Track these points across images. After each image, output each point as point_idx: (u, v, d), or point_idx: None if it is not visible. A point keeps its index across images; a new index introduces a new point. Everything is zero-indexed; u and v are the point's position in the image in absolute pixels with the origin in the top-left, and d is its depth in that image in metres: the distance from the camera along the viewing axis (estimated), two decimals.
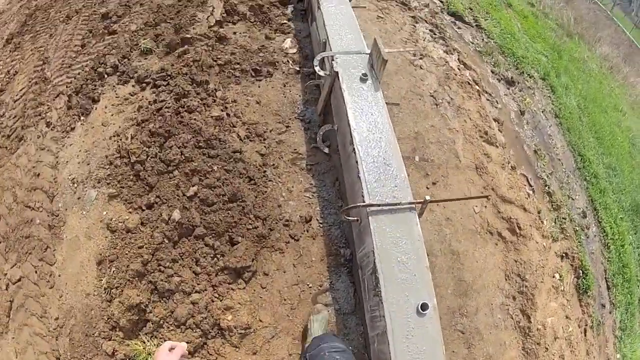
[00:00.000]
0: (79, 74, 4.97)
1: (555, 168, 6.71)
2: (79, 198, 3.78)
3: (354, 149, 3.30)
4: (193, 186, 3.52)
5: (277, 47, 4.96)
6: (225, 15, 5.09)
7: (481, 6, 8.18)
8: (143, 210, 3.49)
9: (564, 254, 5.47)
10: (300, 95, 4.61)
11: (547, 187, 6.05)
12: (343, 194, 3.91)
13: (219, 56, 4.60)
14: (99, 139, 4.18)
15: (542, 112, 7.31)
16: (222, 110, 4.16)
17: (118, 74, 4.77)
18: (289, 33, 5.16)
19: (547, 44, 8.60)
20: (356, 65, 3.82)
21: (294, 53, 4.90)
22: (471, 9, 7.88)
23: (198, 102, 4.12)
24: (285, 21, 5.26)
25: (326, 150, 3.85)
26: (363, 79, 3.74)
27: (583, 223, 6.26)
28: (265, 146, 4.13)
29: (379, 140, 3.31)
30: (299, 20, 5.48)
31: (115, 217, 3.47)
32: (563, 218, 5.80)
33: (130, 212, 3.50)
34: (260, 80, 4.61)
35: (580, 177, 7.21)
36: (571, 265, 5.47)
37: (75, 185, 3.88)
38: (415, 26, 6.58)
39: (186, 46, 4.70)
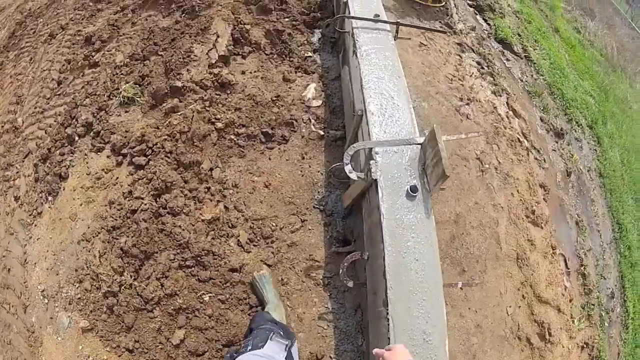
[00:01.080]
0: (50, 126, 3.67)
1: (593, 242, 5.90)
2: (51, 318, 3.06)
3: (387, 313, 2.16)
4: (179, 329, 2.74)
5: (297, 97, 3.62)
6: (233, 45, 3.70)
7: (530, 32, 6.95)
8: (123, 352, 2.74)
9: (585, 344, 4.87)
10: (322, 173, 3.35)
11: (582, 268, 5.35)
12: (366, 336, 2.80)
13: (218, 115, 3.26)
14: (67, 240, 3.22)
15: (588, 171, 6.39)
16: (218, 202, 2.95)
17: (92, 135, 3.50)
18: (313, 73, 3.82)
19: (595, 81, 7.55)
20: (402, 168, 2.60)
21: (318, 106, 3.59)
22: (519, 35, 6.63)
23: (185, 199, 2.94)
24: (309, 54, 3.91)
25: (350, 284, 2.67)
26: (411, 195, 2.54)
27: (609, 306, 5.64)
28: (273, 252, 2.95)
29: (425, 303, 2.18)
30: (328, 52, 4.12)
31: (92, 355, 2.82)
32: (592, 304, 5.17)
33: (109, 352, 2.78)
34: (272, 149, 3.32)
35: (615, 249, 6.56)
36: (589, 355, 4.90)
37: (46, 300, 3.14)
38: (461, 57, 5.31)
39: (176, 100, 3.34)
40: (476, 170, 4.56)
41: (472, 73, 5.27)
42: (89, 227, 3.13)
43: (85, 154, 3.43)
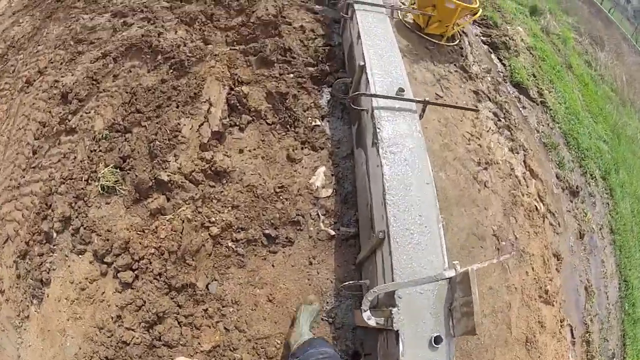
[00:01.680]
0: (27, 207, 3.01)
1: (600, 305, 5.59)
2: None
3: None
4: None
5: (304, 184, 2.99)
6: (228, 114, 3.06)
7: (544, 71, 6.47)
8: None
9: None
10: (332, 280, 2.76)
11: (587, 334, 5.07)
12: None
13: (212, 218, 2.67)
14: (60, 356, 2.68)
15: (600, 229, 6.00)
16: (217, 323, 2.45)
17: (71, 231, 2.88)
18: (322, 149, 3.19)
19: (608, 124, 7.22)
20: (428, 313, 2.07)
21: (328, 197, 2.97)
22: (535, 77, 6.12)
23: (180, 328, 2.43)
24: (317, 121, 3.28)
25: None
26: (434, 346, 2.03)
27: None
28: None
29: None
30: (338, 117, 3.49)
31: None
32: None
33: None
34: (275, 253, 2.74)
35: (620, 308, 6.26)
36: None
37: None
38: (479, 111, 4.75)
39: (162, 197, 2.73)
40: (492, 249, 4.07)
41: (489, 128, 4.72)
42: (80, 348, 2.57)
43: (66, 255, 2.81)
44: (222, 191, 2.77)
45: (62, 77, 3.55)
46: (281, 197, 2.84)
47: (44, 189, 3.04)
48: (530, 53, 6.85)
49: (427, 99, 2.70)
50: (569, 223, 5.38)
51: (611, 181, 6.49)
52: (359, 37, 3.24)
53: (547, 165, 5.39)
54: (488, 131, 4.72)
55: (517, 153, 4.95)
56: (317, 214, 2.87)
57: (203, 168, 2.75)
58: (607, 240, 6.14)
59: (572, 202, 5.54)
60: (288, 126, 3.15)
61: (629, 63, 10.59)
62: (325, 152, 3.18)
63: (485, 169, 4.34)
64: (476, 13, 5.08)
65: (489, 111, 4.92)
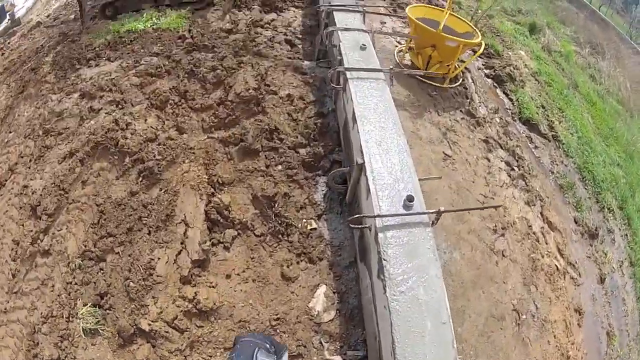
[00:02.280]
0: (17, 337, 2.72)
1: (621, 344, 5.21)
2: None
3: None
4: None
5: (302, 309, 2.60)
6: (209, 231, 2.65)
7: (552, 99, 6.13)
8: None
9: None
10: None
11: None
12: None
13: None
14: None
15: (620, 266, 5.63)
16: None
17: None
18: (320, 260, 2.78)
19: (620, 144, 6.88)
20: None
21: (331, 320, 2.57)
22: (543, 107, 5.74)
23: None
24: (313, 224, 2.88)
25: None
26: None
27: None
28: None
29: None
30: (336, 212, 3.06)
31: None
32: None
33: None
34: None
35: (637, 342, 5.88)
36: None
37: None
38: (489, 159, 4.38)
39: (147, 345, 2.35)
40: (512, 327, 3.72)
41: (503, 182, 4.33)
42: None
43: None
44: (211, 331, 2.38)
45: (31, 180, 3.19)
46: (278, 330, 2.44)
47: (29, 319, 2.66)
48: (536, 79, 6.43)
49: (441, 208, 2.29)
50: (589, 269, 5.01)
51: (628, 209, 6.11)
52: (354, 119, 2.83)
53: (565, 210, 5.00)
54: (502, 186, 4.32)
55: (534, 205, 4.56)
56: (320, 342, 2.48)
57: (187, 310, 2.36)
58: (627, 275, 5.77)
59: (591, 245, 5.15)
60: (280, 235, 2.75)
61: (630, 66, 10.16)
62: (325, 264, 2.77)
63: (502, 234, 3.96)
64: (479, 49, 4.66)
65: (501, 160, 4.52)
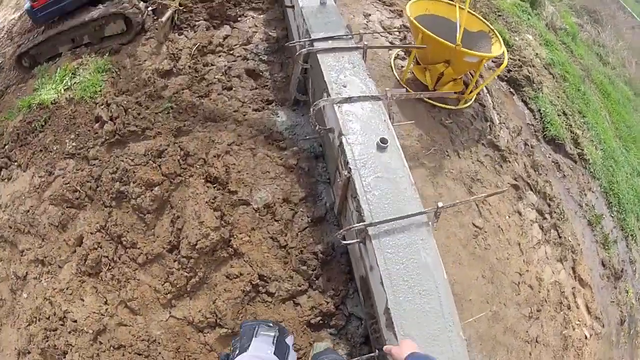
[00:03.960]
0: None
1: None
2: None
3: None
4: None
5: None
6: None
7: (572, 100, 5.15)
8: None
9: None
10: None
11: None
12: None
13: None
14: None
15: (637, 299, 4.88)
16: None
17: None
18: None
19: (638, 147, 6.02)
20: None
21: None
22: (565, 114, 4.78)
23: None
24: None
25: None
26: None
27: None
28: None
29: None
30: None
31: None
32: None
33: None
34: None
35: None
36: None
37: None
38: (520, 214, 3.47)
39: None
40: None
41: (536, 239, 3.38)
42: None
43: None
44: None
45: None
46: None
47: None
48: (550, 73, 5.31)
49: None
50: (612, 314, 4.24)
51: None
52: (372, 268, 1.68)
53: (593, 252, 4.11)
54: (535, 245, 3.32)
55: (566, 260, 3.62)
56: None
57: None
58: None
59: (615, 288, 4.34)
60: None
61: (630, 37, 9.14)
62: None
63: (537, 317, 3.01)
64: (502, 63, 3.42)
65: (532, 209, 3.51)
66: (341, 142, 2.05)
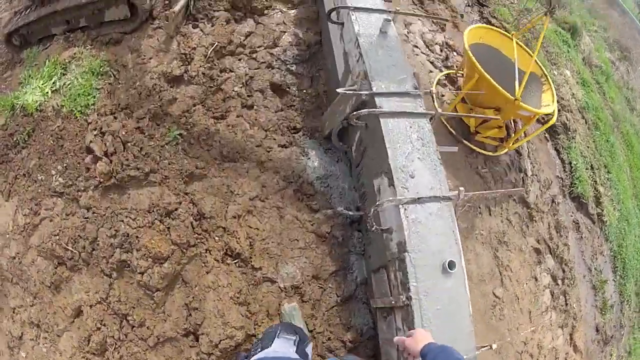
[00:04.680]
0: None
1: None
2: None
3: None
4: None
5: None
6: None
7: (600, 152, 5.05)
8: None
9: None
10: None
11: None
12: None
13: None
14: None
15: None
16: None
17: None
18: None
19: None
20: None
21: None
22: (592, 169, 4.63)
23: None
24: None
25: None
26: None
27: None
28: None
29: None
30: None
31: None
32: None
33: None
34: None
35: None
36: None
37: None
38: (536, 279, 3.33)
39: None
40: None
41: (546, 305, 3.27)
42: None
43: None
44: None
45: None
46: None
47: None
48: (584, 118, 5.07)
49: None
50: None
51: None
52: None
53: (590, 316, 4.01)
54: (543, 312, 3.19)
55: (566, 327, 3.50)
56: None
57: None
58: None
59: (602, 352, 4.29)
60: None
61: None
62: None
63: None
64: (550, 120, 3.14)
65: (547, 274, 3.34)
66: (403, 260, 1.76)
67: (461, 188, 1.85)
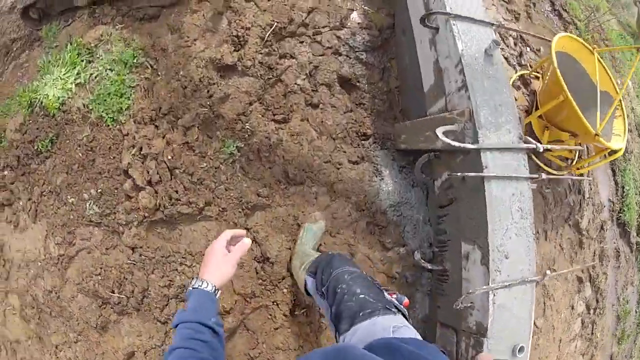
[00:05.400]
0: None
1: None
2: None
3: None
4: None
5: None
6: None
7: None
8: None
9: None
10: None
11: None
12: None
13: None
14: None
15: None
16: None
17: None
18: None
19: None
20: None
21: None
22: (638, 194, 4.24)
23: None
24: None
25: None
26: None
27: None
28: None
29: None
30: None
31: None
32: None
33: None
34: None
35: None
36: None
37: None
38: (573, 308, 3.24)
39: None
40: None
41: (574, 334, 3.18)
42: None
43: None
44: None
45: None
46: None
47: None
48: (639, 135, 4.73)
49: None
50: None
51: None
52: None
53: (608, 345, 3.92)
54: (571, 341, 3.16)
55: (587, 355, 3.43)
56: None
57: None
58: None
59: None
60: None
61: None
62: None
63: None
64: (616, 152, 2.88)
65: (583, 303, 3.18)
66: (480, 344, 1.63)
67: (548, 271, 1.68)
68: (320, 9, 2.45)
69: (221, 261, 1.10)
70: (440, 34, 2.00)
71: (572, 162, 3.03)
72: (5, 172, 2.38)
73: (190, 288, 1.09)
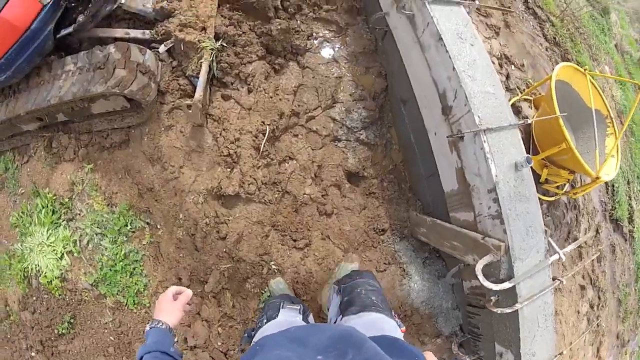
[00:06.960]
0: None
1: None
2: None
3: None
4: None
5: None
6: None
7: (635, 163, 5.06)
8: None
9: None
10: None
11: None
12: None
13: None
14: None
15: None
16: None
17: None
18: None
19: None
20: None
21: None
22: (628, 184, 4.72)
23: None
24: None
25: None
26: None
27: None
28: None
29: None
30: None
31: None
32: None
33: None
34: None
35: None
36: None
37: None
38: (579, 313, 3.54)
39: None
40: None
41: (581, 330, 3.50)
42: None
43: None
44: None
45: None
46: None
47: None
48: (622, 124, 5.03)
49: None
50: None
51: None
52: None
53: (614, 326, 4.29)
54: (580, 337, 3.41)
55: (596, 343, 3.77)
56: None
57: None
58: None
59: (619, 353, 4.69)
60: None
61: None
62: None
63: None
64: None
65: (587, 303, 3.54)
66: None
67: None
68: (306, 84, 2.26)
69: (170, 306, 1.28)
70: (466, 144, 1.83)
71: (565, 188, 3.26)
72: (33, 354, 2.16)
73: (148, 328, 1.24)
